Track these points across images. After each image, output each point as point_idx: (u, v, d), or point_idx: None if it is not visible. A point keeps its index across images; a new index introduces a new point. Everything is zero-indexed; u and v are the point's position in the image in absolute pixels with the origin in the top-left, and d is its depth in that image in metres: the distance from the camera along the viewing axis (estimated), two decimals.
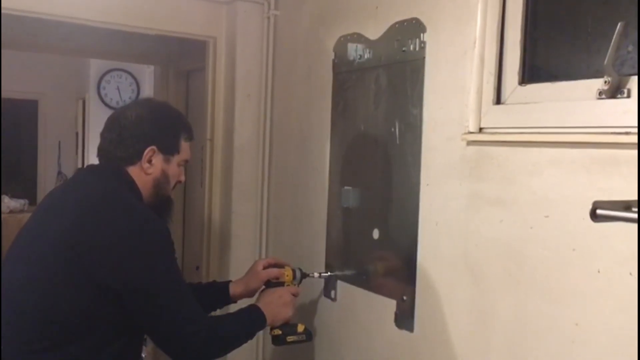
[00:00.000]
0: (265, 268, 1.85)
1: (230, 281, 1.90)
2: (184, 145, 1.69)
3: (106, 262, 1.42)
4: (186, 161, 1.72)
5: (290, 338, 1.74)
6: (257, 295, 1.81)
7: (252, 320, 1.66)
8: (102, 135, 1.65)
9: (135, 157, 1.60)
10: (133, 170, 1.60)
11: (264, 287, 1.82)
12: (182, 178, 1.72)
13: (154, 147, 1.61)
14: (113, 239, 1.43)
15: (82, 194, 1.54)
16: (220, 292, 1.87)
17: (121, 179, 1.58)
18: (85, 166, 1.68)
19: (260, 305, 1.70)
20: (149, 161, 1.61)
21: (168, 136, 1.65)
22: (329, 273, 1.92)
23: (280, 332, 1.73)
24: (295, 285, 1.83)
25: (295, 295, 1.78)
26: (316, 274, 1.90)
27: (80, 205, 1.50)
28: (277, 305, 1.72)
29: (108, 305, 1.43)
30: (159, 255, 1.48)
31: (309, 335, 1.77)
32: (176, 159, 1.67)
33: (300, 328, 1.76)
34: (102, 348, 1.45)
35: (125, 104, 1.76)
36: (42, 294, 1.43)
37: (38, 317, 1.42)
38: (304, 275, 1.87)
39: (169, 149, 1.65)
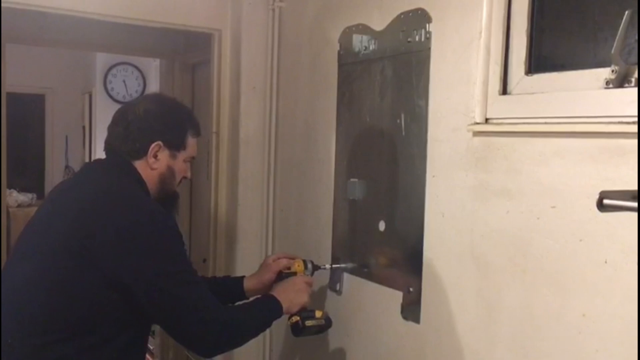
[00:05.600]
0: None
1: (244, 276, 1.91)
2: (191, 141, 1.69)
3: (115, 256, 1.42)
4: (192, 157, 1.71)
5: (309, 322, 1.71)
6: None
7: (268, 307, 1.65)
8: (109, 129, 1.65)
9: (141, 152, 1.60)
10: (139, 165, 1.60)
11: (276, 279, 1.81)
12: (188, 174, 1.72)
13: (160, 142, 1.61)
14: (121, 232, 1.43)
15: (89, 188, 1.55)
16: (234, 287, 1.87)
17: (128, 173, 1.59)
18: (92, 160, 1.68)
19: (274, 293, 1.69)
20: (155, 156, 1.61)
21: (175, 132, 1.65)
22: (339, 265, 1.93)
23: (298, 318, 1.70)
24: (307, 275, 1.83)
25: (309, 284, 1.78)
26: (327, 266, 1.91)
27: (88, 199, 1.50)
28: (291, 292, 1.71)
29: (116, 298, 1.43)
30: (169, 247, 1.48)
31: (328, 320, 1.75)
32: (182, 155, 1.66)
33: (319, 314, 1.73)
34: (109, 340, 1.46)
35: (134, 99, 1.76)
36: (50, 288, 1.43)
37: (47, 310, 1.43)
38: (316, 267, 1.87)
39: (175, 145, 1.64)
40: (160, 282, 1.45)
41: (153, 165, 1.61)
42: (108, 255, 1.42)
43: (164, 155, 1.63)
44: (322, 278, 1.99)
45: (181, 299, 1.47)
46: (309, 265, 1.85)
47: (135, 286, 1.43)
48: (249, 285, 1.86)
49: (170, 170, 1.65)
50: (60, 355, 1.42)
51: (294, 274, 1.81)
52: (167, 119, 1.65)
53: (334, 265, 1.93)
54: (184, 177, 1.71)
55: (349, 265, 1.91)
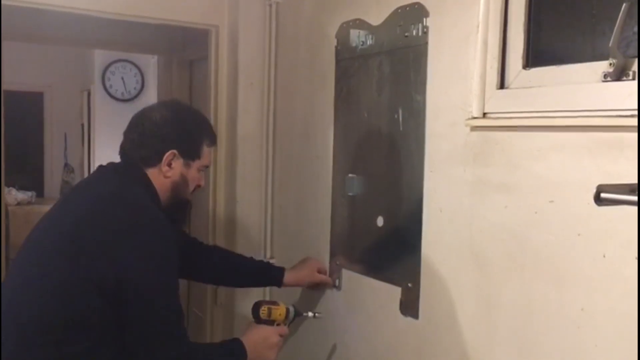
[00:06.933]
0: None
1: (284, 268, 1.97)
2: (206, 150, 1.66)
3: (103, 257, 1.40)
4: (206, 166, 1.69)
5: None
6: (245, 327, 1.76)
7: (234, 357, 1.61)
8: (125, 134, 1.63)
9: (155, 159, 1.58)
10: (152, 172, 1.58)
11: (253, 320, 1.76)
12: (202, 183, 1.69)
13: (175, 150, 1.58)
14: (113, 234, 1.42)
15: (94, 191, 1.54)
16: (276, 276, 1.95)
17: (138, 180, 1.56)
18: (107, 163, 1.65)
19: (245, 343, 1.64)
20: (169, 165, 1.59)
21: (190, 141, 1.63)
22: (323, 314, 1.91)
23: None
24: (286, 324, 1.78)
25: (282, 336, 1.73)
26: (310, 314, 1.87)
27: (89, 201, 1.50)
28: (262, 348, 1.66)
29: (107, 304, 1.41)
30: (157, 258, 1.45)
31: None
32: (196, 164, 1.64)
33: None
34: (107, 343, 1.44)
35: (151, 105, 1.73)
36: (46, 290, 1.42)
37: (43, 312, 1.41)
38: (298, 314, 1.82)
39: (190, 154, 1.62)
40: (137, 290, 1.42)
41: (167, 173, 1.59)
42: (96, 255, 1.40)
43: (178, 164, 1.60)
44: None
45: (153, 313, 1.44)
46: (291, 315, 1.79)
47: (115, 290, 1.40)
48: (288, 279, 1.95)
49: (184, 179, 1.62)
50: (57, 358, 1.40)
51: (272, 322, 1.75)
52: (183, 127, 1.62)
53: (317, 314, 1.88)
54: (198, 186, 1.69)
55: (332, 310, 1.92)
